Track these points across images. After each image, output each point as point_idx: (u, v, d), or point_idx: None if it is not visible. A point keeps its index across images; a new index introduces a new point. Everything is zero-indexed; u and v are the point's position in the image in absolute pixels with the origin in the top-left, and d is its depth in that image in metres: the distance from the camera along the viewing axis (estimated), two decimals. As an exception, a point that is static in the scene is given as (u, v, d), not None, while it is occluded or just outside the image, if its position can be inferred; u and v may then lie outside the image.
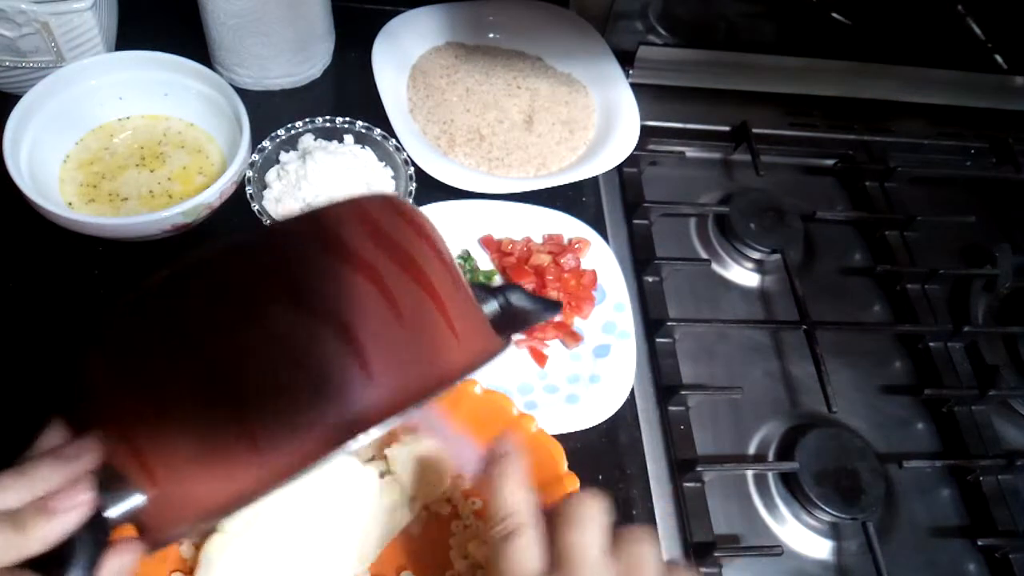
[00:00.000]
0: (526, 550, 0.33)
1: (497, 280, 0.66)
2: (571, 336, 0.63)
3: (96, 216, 0.59)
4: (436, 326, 0.31)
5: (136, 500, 0.30)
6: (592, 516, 0.34)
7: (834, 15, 0.98)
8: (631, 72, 0.83)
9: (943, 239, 0.81)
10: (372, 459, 0.50)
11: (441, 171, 0.67)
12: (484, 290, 0.38)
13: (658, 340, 0.66)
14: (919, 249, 0.78)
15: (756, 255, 0.74)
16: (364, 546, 0.46)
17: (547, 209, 0.69)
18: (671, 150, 0.81)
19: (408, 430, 0.50)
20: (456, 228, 0.67)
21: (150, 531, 0.31)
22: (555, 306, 0.41)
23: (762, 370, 0.68)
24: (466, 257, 0.66)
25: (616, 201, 0.76)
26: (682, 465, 0.60)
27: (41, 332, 0.57)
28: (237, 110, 0.61)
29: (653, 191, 0.76)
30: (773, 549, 0.57)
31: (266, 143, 0.63)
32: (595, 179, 0.75)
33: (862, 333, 0.73)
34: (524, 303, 0.38)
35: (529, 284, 0.64)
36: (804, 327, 0.68)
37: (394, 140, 0.66)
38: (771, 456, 0.63)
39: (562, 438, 0.50)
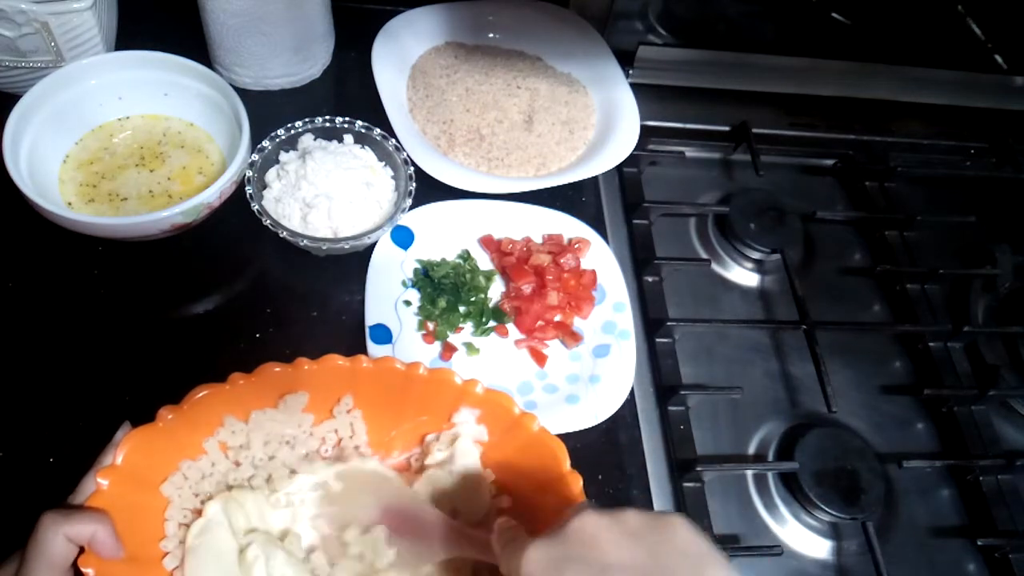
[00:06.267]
0: None
1: (497, 280, 0.66)
2: (571, 336, 0.63)
3: (96, 216, 0.59)
4: None
5: None
6: None
7: (834, 15, 0.98)
8: (631, 72, 0.83)
9: (943, 239, 0.81)
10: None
11: (441, 171, 0.67)
12: None
13: (658, 340, 0.66)
14: (919, 249, 0.78)
15: (756, 255, 0.74)
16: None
17: (547, 209, 0.69)
18: (671, 150, 0.81)
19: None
20: (456, 228, 0.67)
21: None
22: None
23: (762, 370, 0.68)
24: (466, 257, 0.66)
25: (616, 201, 0.76)
26: (682, 465, 0.60)
27: (41, 332, 0.57)
28: (237, 110, 0.61)
29: (653, 191, 0.76)
30: (773, 549, 0.57)
31: (266, 143, 0.63)
32: (595, 179, 0.75)
33: (862, 333, 0.73)
34: None
35: (529, 284, 0.64)
36: (804, 327, 0.68)
37: (394, 140, 0.66)
38: (771, 456, 0.63)
39: (562, 438, 0.50)
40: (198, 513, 0.45)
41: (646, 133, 0.77)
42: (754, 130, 0.81)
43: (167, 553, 0.44)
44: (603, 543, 0.35)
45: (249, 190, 0.60)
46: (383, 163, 0.66)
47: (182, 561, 0.44)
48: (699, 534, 0.36)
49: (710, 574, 0.34)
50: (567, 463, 0.48)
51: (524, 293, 0.64)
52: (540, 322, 0.63)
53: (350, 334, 0.60)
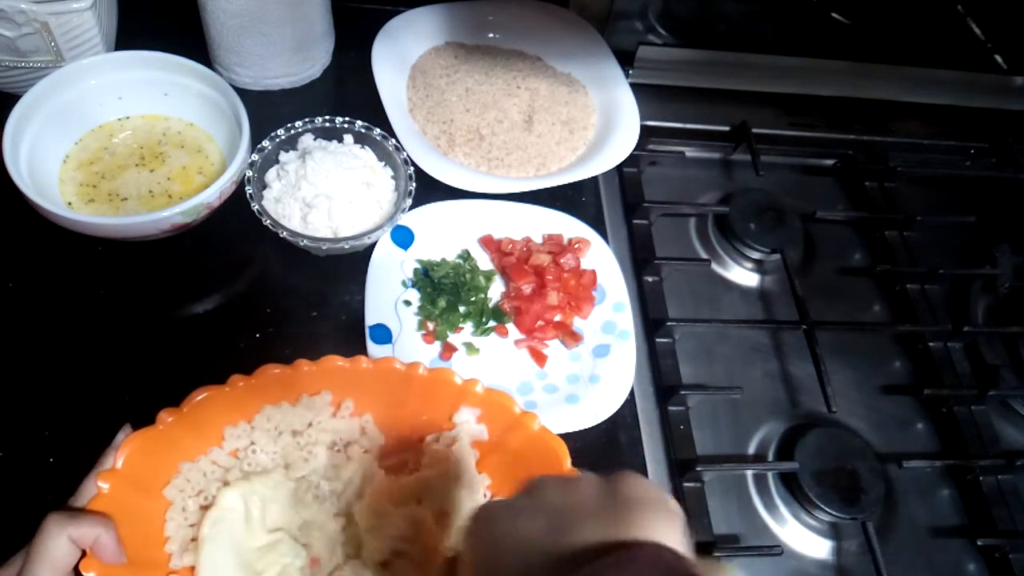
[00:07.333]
0: None
1: (497, 280, 0.66)
2: (571, 336, 0.63)
3: (96, 216, 0.59)
4: None
5: None
6: None
7: (834, 15, 0.98)
8: (631, 72, 0.83)
9: (943, 239, 0.81)
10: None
11: (441, 171, 0.67)
12: None
13: (658, 340, 0.66)
14: (919, 249, 0.78)
15: (756, 255, 0.74)
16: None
17: (547, 209, 0.69)
18: (671, 150, 0.81)
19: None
20: (456, 228, 0.67)
21: None
22: None
23: (762, 370, 0.68)
24: (466, 257, 0.66)
25: (616, 201, 0.76)
26: (682, 465, 0.60)
27: (41, 332, 0.57)
28: (237, 110, 0.61)
29: (653, 191, 0.76)
30: (773, 549, 0.57)
31: (266, 143, 0.63)
32: (595, 179, 0.75)
33: (862, 333, 0.73)
34: None
35: (529, 284, 0.64)
36: (804, 327, 0.68)
37: (394, 140, 0.66)
38: (771, 456, 0.63)
39: (562, 438, 0.50)
40: (204, 509, 0.45)
41: (646, 133, 0.77)
42: (754, 130, 0.81)
43: (168, 557, 0.44)
44: (545, 493, 0.35)
45: (249, 190, 0.60)
46: (383, 163, 0.66)
47: (196, 555, 0.44)
48: (649, 485, 0.35)
49: (643, 514, 0.32)
50: (568, 462, 0.48)
51: (524, 293, 0.64)
52: (540, 322, 0.63)
53: (350, 334, 0.60)
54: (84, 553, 0.39)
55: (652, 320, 0.67)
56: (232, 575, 0.44)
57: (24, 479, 0.51)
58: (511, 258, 0.65)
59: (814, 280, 0.75)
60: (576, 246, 0.67)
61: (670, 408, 0.62)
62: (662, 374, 0.64)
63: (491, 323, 0.64)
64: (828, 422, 0.65)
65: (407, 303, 0.63)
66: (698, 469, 0.58)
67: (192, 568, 0.44)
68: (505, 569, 0.33)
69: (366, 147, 0.66)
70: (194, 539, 0.44)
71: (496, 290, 0.66)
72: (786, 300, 0.71)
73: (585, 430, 0.58)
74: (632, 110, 0.76)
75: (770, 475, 0.62)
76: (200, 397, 0.45)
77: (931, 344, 0.72)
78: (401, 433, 0.52)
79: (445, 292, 0.63)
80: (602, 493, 0.34)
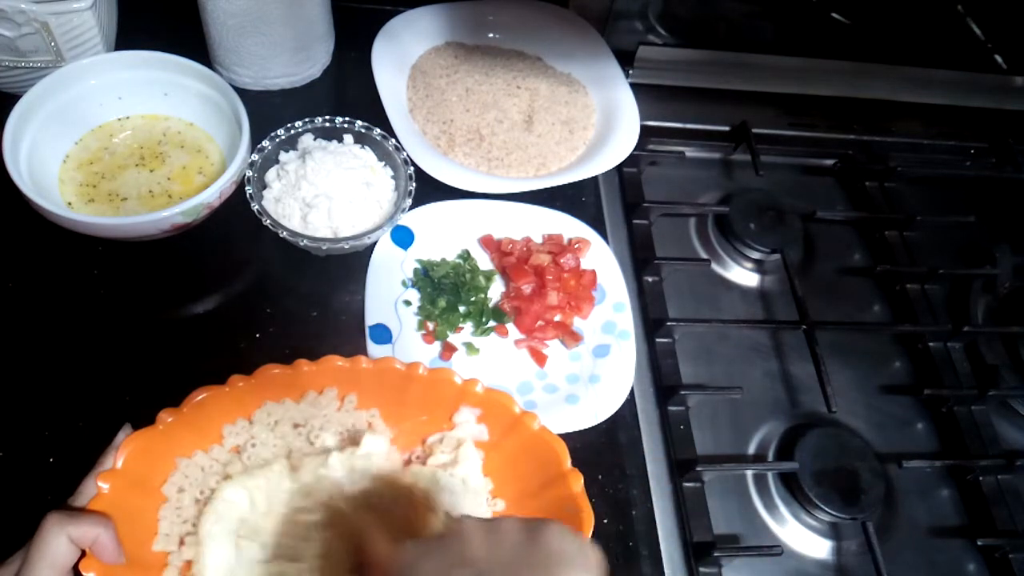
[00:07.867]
0: None
1: (497, 280, 0.66)
2: (571, 336, 0.63)
3: (96, 216, 0.59)
4: None
5: None
6: None
7: (834, 15, 0.98)
8: (631, 72, 0.83)
9: (943, 239, 0.81)
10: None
11: (441, 171, 0.67)
12: None
13: (658, 340, 0.66)
14: (919, 249, 0.78)
15: (756, 255, 0.74)
16: None
17: (547, 209, 0.69)
18: (671, 150, 0.81)
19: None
20: (456, 228, 0.67)
21: None
22: None
23: (762, 370, 0.68)
24: (465, 257, 0.66)
25: (616, 201, 0.76)
26: (682, 465, 0.60)
27: (41, 332, 0.57)
28: (237, 110, 0.61)
29: (653, 191, 0.76)
30: (773, 549, 0.57)
31: (266, 143, 0.63)
32: (595, 179, 0.75)
33: (862, 333, 0.73)
34: None
35: (529, 284, 0.64)
36: (804, 327, 0.68)
37: (394, 140, 0.66)
38: (771, 456, 0.63)
39: (562, 438, 0.50)
40: (200, 504, 0.45)
41: (646, 133, 0.77)
42: (754, 130, 0.81)
43: (168, 555, 0.44)
44: (470, 542, 0.36)
45: (249, 190, 0.60)
46: (383, 163, 0.66)
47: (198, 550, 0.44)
48: (572, 537, 0.36)
49: (564, 572, 0.34)
50: (568, 461, 0.48)
51: (524, 293, 0.64)
52: (540, 322, 0.63)
53: (350, 334, 0.60)
54: (84, 553, 0.39)
55: (652, 320, 0.67)
56: (235, 569, 0.44)
57: (24, 479, 0.51)
58: (511, 258, 0.65)
59: (814, 280, 0.75)
60: (576, 246, 0.67)
61: (670, 408, 0.62)
62: (662, 374, 0.64)
63: (491, 323, 0.64)
64: (828, 422, 0.65)
65: (407, 303, 0.63)
66: (698, 469, 0.58)
67: (189, 563, 0.44)
68: None
69: (366, 147, 0.66)
70: (190, 534, 0.44)
71: (496, 290, 0.66)
72: (786, 300, 0.71)
73: (585, 430, 0.58)
74: (632, 110, 0.76)
75: (770, 475, 0.62)
76: (200, 397, 0.45)
77: (931, 344, 0.72)
78: (401, 433, 0.52)
79: (445, 292, 0.63)
80: (526, 544, 0.35)
